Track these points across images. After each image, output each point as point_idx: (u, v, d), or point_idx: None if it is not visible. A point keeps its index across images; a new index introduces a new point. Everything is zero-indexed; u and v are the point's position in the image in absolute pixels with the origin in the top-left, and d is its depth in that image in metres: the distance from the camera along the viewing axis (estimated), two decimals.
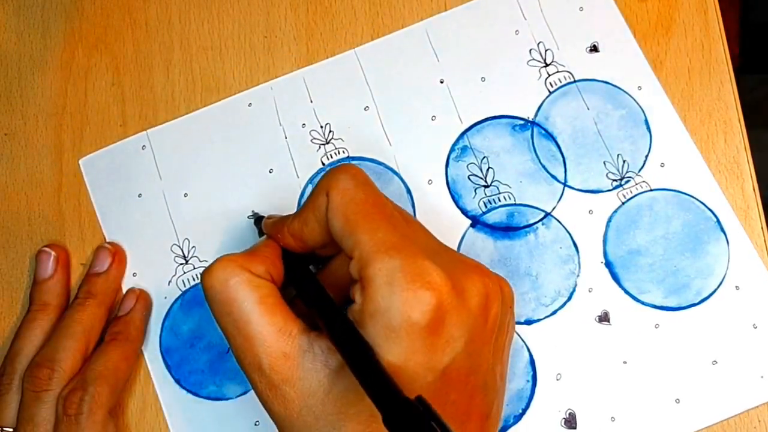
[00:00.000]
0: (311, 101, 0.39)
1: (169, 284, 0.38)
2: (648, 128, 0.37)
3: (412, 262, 0.26)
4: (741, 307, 0.35)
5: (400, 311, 0.25)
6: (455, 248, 0.37)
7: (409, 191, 0.38)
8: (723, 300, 0.35)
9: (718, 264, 0.35)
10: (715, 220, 0.36)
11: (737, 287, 0.35)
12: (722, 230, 0.36)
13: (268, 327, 0.27)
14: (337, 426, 0.26)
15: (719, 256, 0.35)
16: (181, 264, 0.38)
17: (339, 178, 0.29)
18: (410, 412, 0.22)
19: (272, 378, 0.27)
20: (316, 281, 0.30)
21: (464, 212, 0.37)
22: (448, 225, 0.37)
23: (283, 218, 0.31)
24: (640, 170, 0.37)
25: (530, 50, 0.39)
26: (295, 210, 0.38)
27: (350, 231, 0.27)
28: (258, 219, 0.36)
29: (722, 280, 0.35)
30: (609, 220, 0.36)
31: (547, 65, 0.38)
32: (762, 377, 0.34)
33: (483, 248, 0.37)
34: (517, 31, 0.39)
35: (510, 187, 0.37)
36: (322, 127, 0.39)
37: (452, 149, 0.38)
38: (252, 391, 0.36)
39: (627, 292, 0.35)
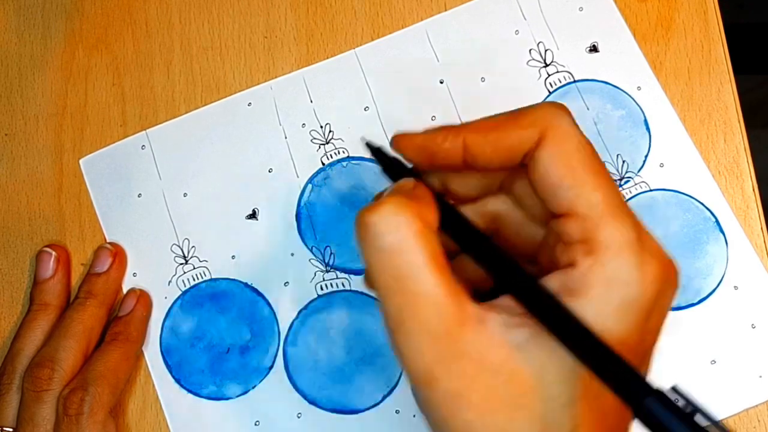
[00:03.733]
0: (311, 101, 0.39)
1: (169, 284, 0.38)
2: (647, 128, 0.37)
3: (644, 232, 0.23)
4: (739, 307, 0.35)
5: (642, 284, 0.22)
6: None
7: None
8: (722, 300, 0.35)
9: (717, 264, 0.35)
10: (714, 220, 0.36)
11: (736, 287, 0.35)
12: (721, 230, 0.36)
13: (440, 289, 0.23)
14: (530, 408, 0.22)
15: (718, 256, 0.35)
16: (181, 264, 0.38)
17: (561, 117, 0.24)
18: (671, 406, 0.20)
19: (445, 349, 0.22)
20: (489, 239, 0.25)
21: None
22: None
23: (449, 128, 0.25)
24: (639, 170, 0.37)
25: (530, 50, 0.39)
26: (294, 210, 0.38)
27: (575, 183, 0.23)
28: (377, 150, 0.28)
29: (721, 280, 0.35)
30: None
31: (546, 65, 0.38)
32: (760, 377, 0.34)
33: None
34: (517, 31, 0.39)
35: None
36: (322, 127, 0.39)
37: None
38: (252, 391, 0.36)
39: None
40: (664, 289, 0.23)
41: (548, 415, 0.22)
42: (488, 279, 0.26)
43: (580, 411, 0.22)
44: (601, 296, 0.22)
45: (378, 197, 0.28)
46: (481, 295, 0.24)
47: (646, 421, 0.20)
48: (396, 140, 0.26)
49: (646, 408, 0.20)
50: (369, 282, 0.25)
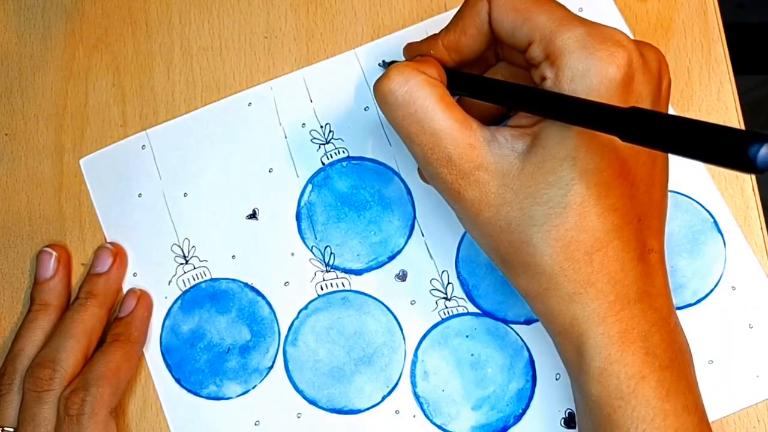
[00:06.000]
0: (311, 101, 0.39)
1: (169, 284, 0.38)
2: None
3: (596, 27, 0.27)
4: (737, 307, 0.35)
5: (598, 69, 0.26)
6: (456, 248, 0.37)
7: (409, 191, 0.38)
8: (719, 300, 0.35)
9: (715, 264, 0.36)
10: (712, 221, 0.36)
11: (733, 287, 0.35)
12: (719, 231, 0.36)
13: (451, 122, 0.28)
14: (538, 195, 0.27)
15: (716, 256, 0.36)
16: (181, 264, 0.38)
17: None
18: (646, 117, 0.22)
19: (463, 166, 0.28)
20: (487, 78, 0.31)
21: None
22: (448, 225, 0.37)
23: (434, 35, 0.32)
24: None
25: None
26: (294, 210, 0.38)
27: (524, 18, 0.28)
28: (391, 63, 0.36)
29: (719, 280, 0.35)
30: None
31: None
32: (758, 376, 0.34)
33: None
34: None
35: None
36: (322, 127, 0.39)
37: None
38: (252, 391, 0.36)
39: None
40: (631, 73, 0.26)
41: (552, 190, 0.27)
42: (493, 115, 0.33)
43: (578, 171, 0.26)
44: (571, 92, 0.26)
45: None
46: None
47: (633, 137, 0.23)
48: (405, 48, 0.34)
49: (630, 125, 0.23)
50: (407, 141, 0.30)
